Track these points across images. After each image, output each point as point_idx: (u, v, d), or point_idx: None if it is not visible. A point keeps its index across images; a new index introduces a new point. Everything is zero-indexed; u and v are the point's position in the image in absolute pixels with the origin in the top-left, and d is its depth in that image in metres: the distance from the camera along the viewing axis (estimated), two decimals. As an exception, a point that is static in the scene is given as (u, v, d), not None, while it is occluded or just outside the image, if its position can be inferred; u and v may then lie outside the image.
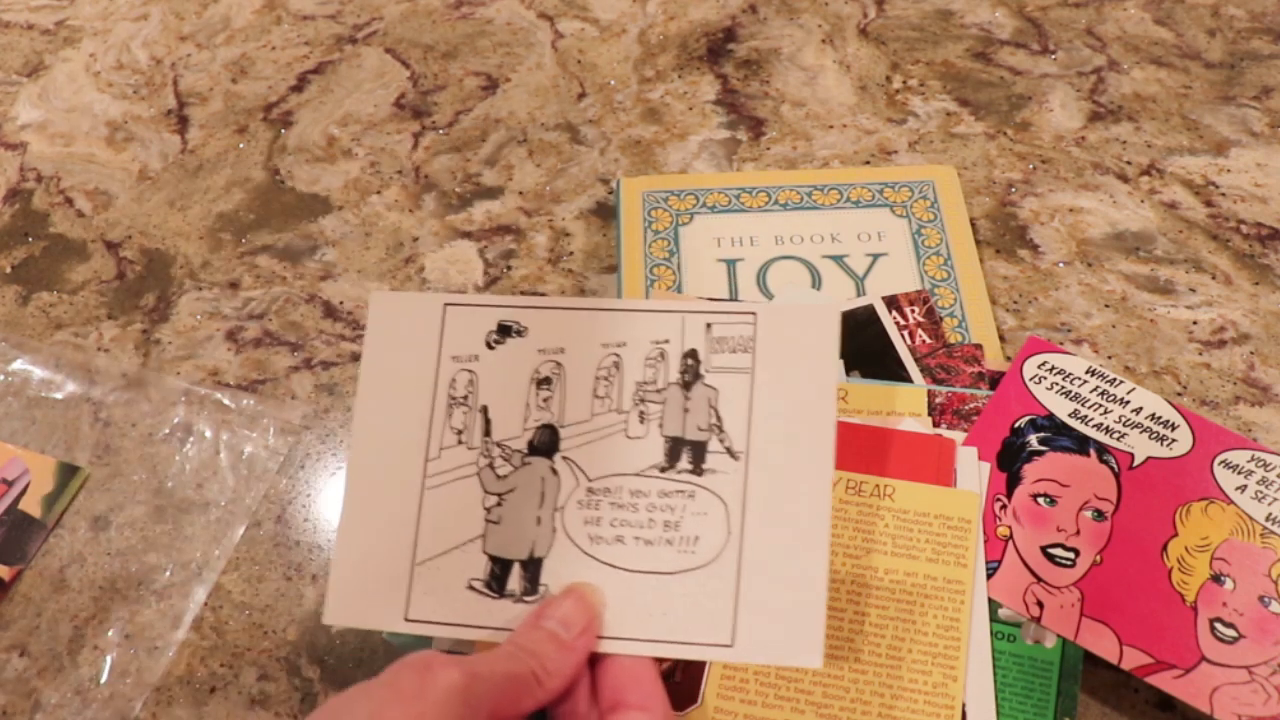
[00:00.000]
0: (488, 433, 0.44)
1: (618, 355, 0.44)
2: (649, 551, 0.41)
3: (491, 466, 0.43)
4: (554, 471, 0.43)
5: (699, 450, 0.42)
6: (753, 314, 0.44)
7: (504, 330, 0.45)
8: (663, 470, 0.43)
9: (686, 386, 0.43)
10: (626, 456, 0.43)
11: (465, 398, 0.44)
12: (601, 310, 0.45)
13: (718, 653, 0.40)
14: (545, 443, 0.43)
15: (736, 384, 0.43)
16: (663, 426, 0.43)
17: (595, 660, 0.40)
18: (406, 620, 0.42)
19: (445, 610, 0.42)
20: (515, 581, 0.42)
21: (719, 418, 0.43)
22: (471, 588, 0.42)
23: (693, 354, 0.44)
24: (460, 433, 0.44)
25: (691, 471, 0.42)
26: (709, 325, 0.44)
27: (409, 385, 0.45)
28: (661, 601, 0.41)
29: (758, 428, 0.42)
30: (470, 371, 0.45)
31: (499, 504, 0.43)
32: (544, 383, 0.44)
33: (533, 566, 0.42)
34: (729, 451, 0.42)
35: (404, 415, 0.44)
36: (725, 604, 0.40)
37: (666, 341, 0.44)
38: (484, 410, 0.44)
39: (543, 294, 0.60)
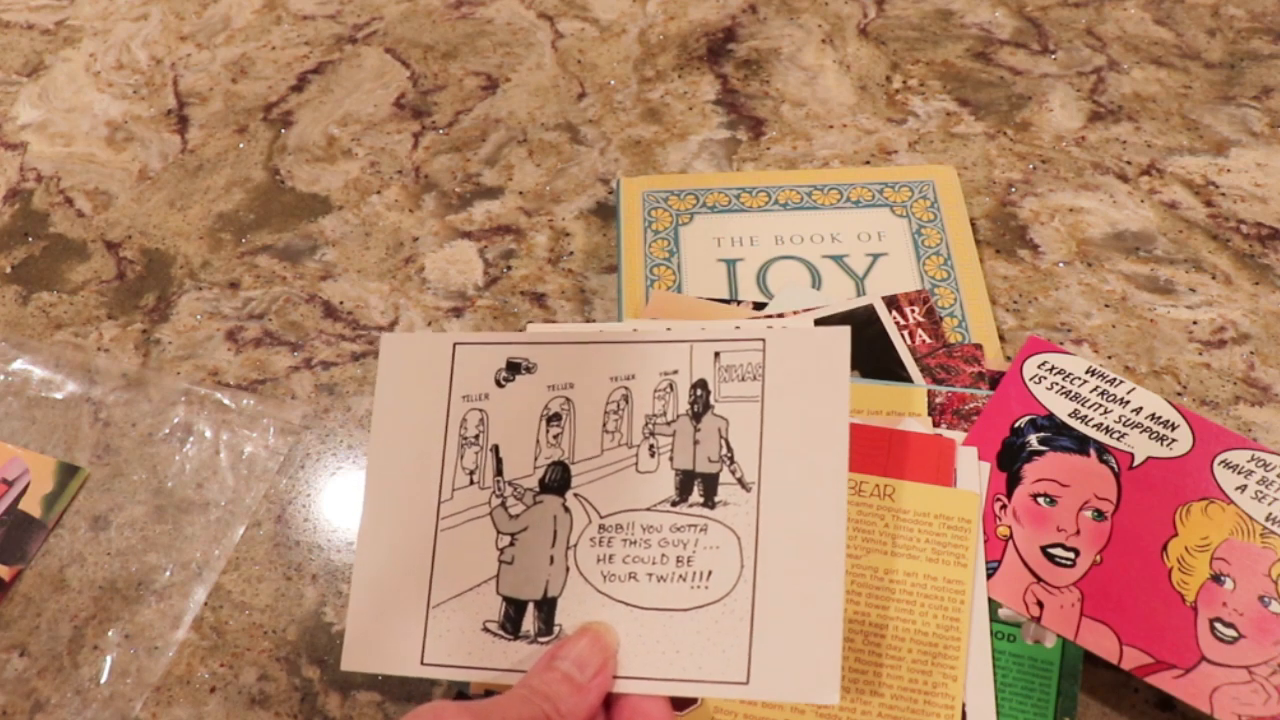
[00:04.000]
0: (499, 472, 0.43)
1: (627, 388, 0.44)
2: (662, 588, 0.41)
3: (504, 506, 0.43)
4: (566, 509, 0.43)
5: (710, 483, 0.42)
6: (761, 340, 0.43)
7: (513, 367, 0.44)
8: (674, 504, 0.42)
9: (696, 418, 0.43)
10: (638, 491, 0.42)
11: (476, 437, 0.44)
12: (609, 343, 0.44)
13: (733, 690, 0.39)
14: (556, 480, 0.43)
15: (747, 413, 0.42)
16: (673, 460, 0.42)
17: (607, 699, 0.40)
18: (423, 664, 0.42)
19: (461, 654, 0.42)
20: (530, 622, 0.41)
21: (730, 448, 0.42)
22: (486, 630, 0.42)
23: (701, 384, 0.43)
24: (472, 473, 0.44)
25: (703, 504, 0.42)
26: (717, 354, 0.43)
27: (421, 427, 0.44)
28: (675, 639, 0.40)
29: (769, 457, 0.41)
30: (481, 411, 0.44)
31: (511, 544, 0.42)
32: (554, 419, 0.44)
33: (547, 606, 0.42)
34: (740, 483, 0.41)
35: (417, 458, 0.44)
36: (739, 641, 0.39)
37: (675, 372, 0.43)
38: (495, 449, 0.44)
39: (543, 295, 0.60)
